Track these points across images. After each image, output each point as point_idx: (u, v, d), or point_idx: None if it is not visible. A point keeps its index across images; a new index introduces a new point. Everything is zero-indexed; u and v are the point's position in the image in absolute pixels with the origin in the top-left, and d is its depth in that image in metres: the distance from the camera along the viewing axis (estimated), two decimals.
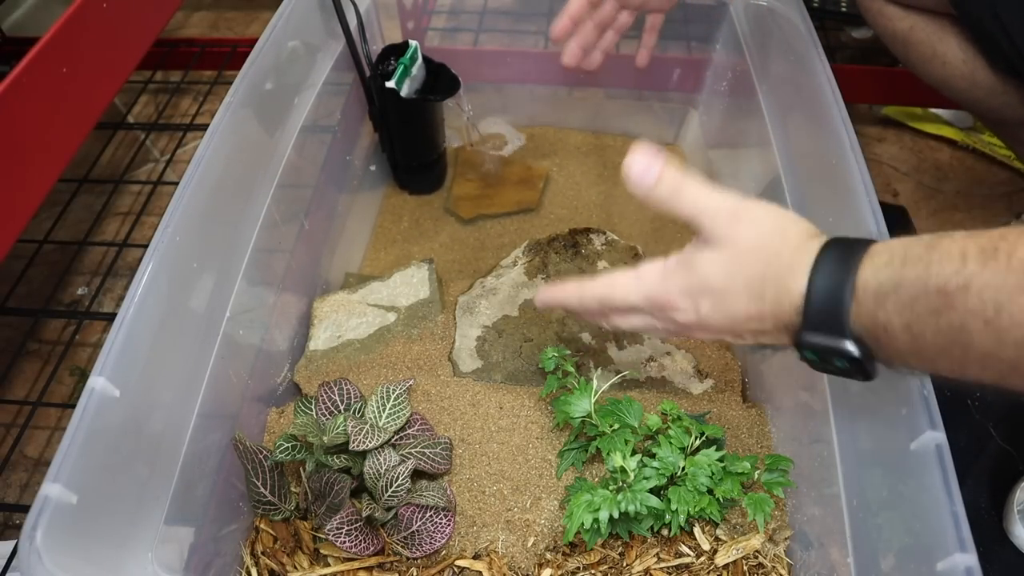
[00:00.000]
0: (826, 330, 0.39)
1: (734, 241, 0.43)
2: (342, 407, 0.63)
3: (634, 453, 0.55)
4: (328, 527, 0.55)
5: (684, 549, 0.59)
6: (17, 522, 0.83)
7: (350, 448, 0.57)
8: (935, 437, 0.45)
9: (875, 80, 1.15)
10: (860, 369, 0.39)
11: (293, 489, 0.64)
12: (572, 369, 0.63)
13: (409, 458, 0.59)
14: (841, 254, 0.39)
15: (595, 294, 0.49)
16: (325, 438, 0.58)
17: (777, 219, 0.43)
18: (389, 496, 0.58)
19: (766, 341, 0.44)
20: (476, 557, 0.59)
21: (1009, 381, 0.35)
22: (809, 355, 0.41)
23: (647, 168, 0.44)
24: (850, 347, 0.38)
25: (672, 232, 0.97)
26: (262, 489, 0.60)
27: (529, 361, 0.73)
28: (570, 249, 0.85)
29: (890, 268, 0.37)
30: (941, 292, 0.34)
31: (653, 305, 0.46)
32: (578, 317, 0.53)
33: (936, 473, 0.44)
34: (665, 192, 0.44)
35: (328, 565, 0.59)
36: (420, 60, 0.91)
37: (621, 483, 0.54)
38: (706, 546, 0.59)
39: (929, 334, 0.35)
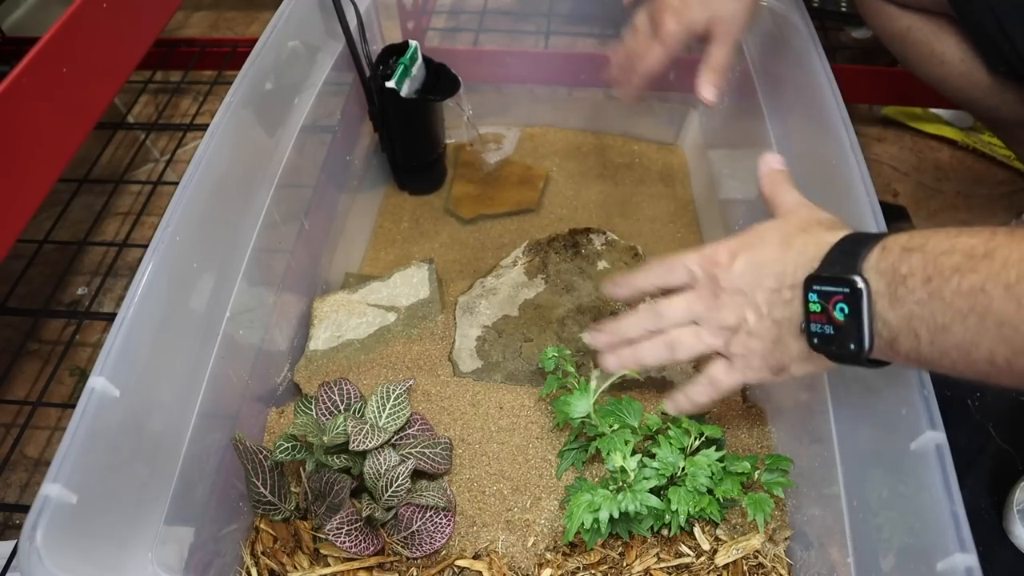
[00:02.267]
0: (839, 265, 0.41)
1: (790, 217, 0.50)
2: (342, 407, 0.63)
3: (634, 453, 0.55)
4: (328, 527, 0.55)
5: (684, 549, 0.59)
6: (17, 522, 0.83)
7: (350, 448, 0.57)
8: (935, 437, 0.45)
9: (875, 80, 1.15)
10: (857, 324, 0.40)
11: (293, 489, 0.64)
12: (572, 369, 0.63)
13: (409, 458, 0.59)
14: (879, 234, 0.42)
15: (659, 262, 0.55)
16: (325, 438, 0.58)
17: (834, 216, 0.49)
18: (389, 496, 0.58)
19: (777, 314, 0.46)
20: (476, 557, 0.59)
21: (1020, 362, 0.35)
22: (813, 300, 0.42)
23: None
24: (857, 279, 0.40)
25: (672, 231, 0.97)
26: (262, 489, 0.60)
27: (529, 361, 0.73)
28: (570, 249, 0.85)
29: (920, 235, 0.39)
30: (966, 255, 0.36)
31: (703, 263, 0.51)
32: (631, 335, 0.56)
33: (936, 473, 0.44)
34: (769, 189, 0.55)
35: (328, 565, 0.59)
36: (420, 60, 0.91)
37: (621, 483, 0.54)
38: (706, 546, 0.59)
39: (948, 293, 0.36)
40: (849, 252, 0.41)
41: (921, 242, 0.38)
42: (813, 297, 0.42)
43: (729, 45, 0.65)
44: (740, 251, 0.49)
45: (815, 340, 0.43)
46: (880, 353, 0.41)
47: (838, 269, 0.41)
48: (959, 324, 0.36)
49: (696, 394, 0.55)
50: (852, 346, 0.41)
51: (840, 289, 0.40)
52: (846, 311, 0.40)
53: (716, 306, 0.50)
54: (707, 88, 0.66)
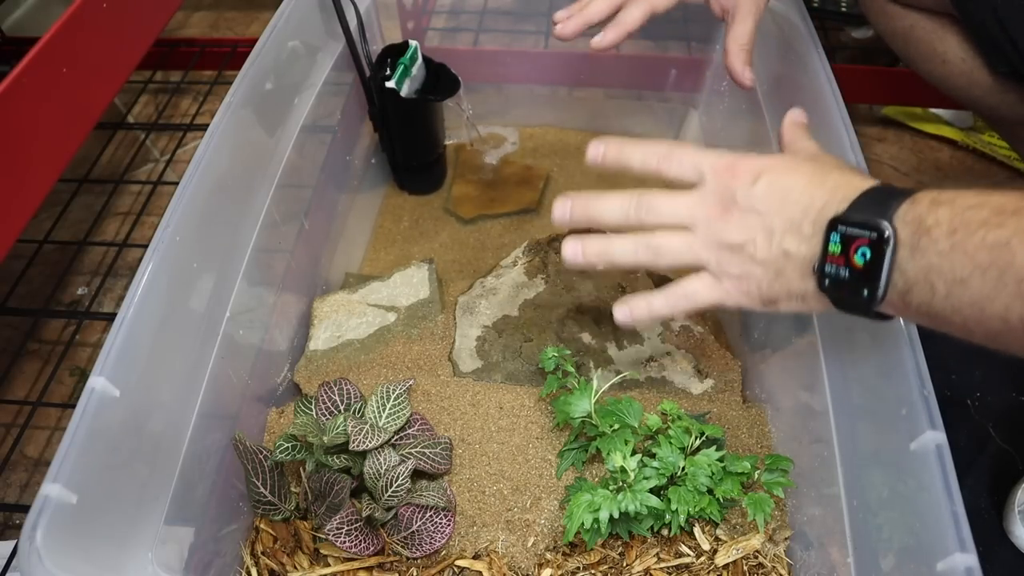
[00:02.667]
0: (869, 211, 0.40)
1: (821, 156, 0.49)
2: (342, 407, 0.63)
3: (634, 453, 0.55)
4: (328, 527, 0.55)
5: (684, 549, 0.59)
6: (17, 522, 0.83)
7: (350, 448, 0.57)
8: (935, 437, 0.45)
9: (875, 80, 1.15)
10: (876, 271, 0.39)
11: (293, 489, 0.64)
12: (572, 369, 0.63)
13: (409, 458, 0.59)
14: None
15: (666, 143, 0.50)
16: (325, 438, 0.58)
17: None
18: (389, 496, 0.58)
19: (790, 245, 0.44)
20: (476, 557, 0.59)
21: None
22: (834, 241, 0.41)
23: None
24: (886, 227, 0.39)
25: None
26: (262, 489, 0.60)
27: (529, 361, 0.73)
28: None
29: (952, 192, 0.38)
30: (996, 211, 0.35)
31: (718, 169, 0.47)
32: (605, 218, 0.49)
33: (936, 473, 0.44)
34: (790, 135, 0.53)
35: (328, 565, 0.59)
36: (420, 60, 0.91)
37: (621, 483, 0.54)
38: (706, 546, 0.59)
39: (972, 246, 0.36)
40: (880, 200, 0.40)
41: (951, 197, 0.38)
42: (835, 238, 0.41)
43: (754, 20, 0.64)
44: (765, 171, 0.45)
45: (826, 282, 0.42)
46: (890, 305, 0.40)
47: (867, 214, 0.40)
48: (978, 278, 0.35)
49: (661, 305, 0.49)
50: (865, 293, 0.40)
51: (865, 234, 0.39)
52: (867, 257, 0.39)
53: (723, 219, 0.46)
54: (745, 70, 0.64)
